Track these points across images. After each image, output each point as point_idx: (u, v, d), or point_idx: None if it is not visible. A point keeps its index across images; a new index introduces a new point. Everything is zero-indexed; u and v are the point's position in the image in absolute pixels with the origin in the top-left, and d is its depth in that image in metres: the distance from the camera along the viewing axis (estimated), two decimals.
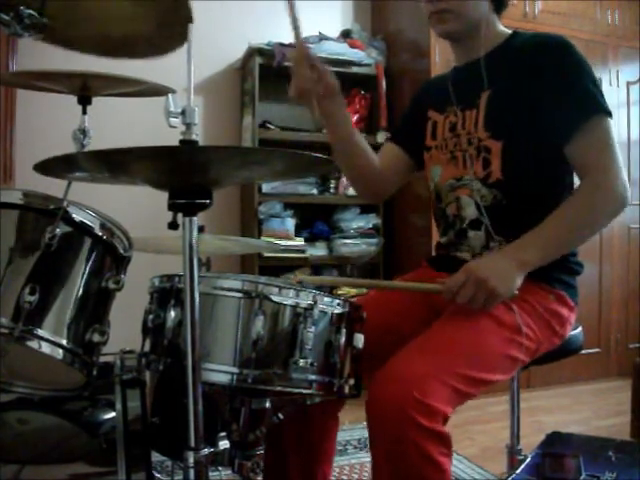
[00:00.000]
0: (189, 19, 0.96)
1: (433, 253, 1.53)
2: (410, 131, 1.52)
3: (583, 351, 1.49)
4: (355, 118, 3.16)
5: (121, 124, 2.75)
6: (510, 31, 1.37)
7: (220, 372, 1.00)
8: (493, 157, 1.29)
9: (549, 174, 1.29)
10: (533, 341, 1.22)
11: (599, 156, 1.22)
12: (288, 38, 3.06)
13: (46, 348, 1.11)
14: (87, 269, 1.18)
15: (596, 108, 1.22)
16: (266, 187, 2.95)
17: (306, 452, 1.36)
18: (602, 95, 1.24)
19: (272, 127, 3.05)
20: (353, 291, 3.02)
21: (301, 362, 1.00)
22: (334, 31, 3.25)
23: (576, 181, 1.31)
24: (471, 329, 1.17)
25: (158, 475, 1.80)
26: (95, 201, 1.25)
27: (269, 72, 2.94)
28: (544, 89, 1.24)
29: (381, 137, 3.04)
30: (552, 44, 1.26)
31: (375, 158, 1.50)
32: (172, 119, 0.88)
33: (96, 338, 1.17)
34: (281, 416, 1.17)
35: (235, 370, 1.00)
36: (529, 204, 1.28)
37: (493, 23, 1.36)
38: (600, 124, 1.22)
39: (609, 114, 1.23)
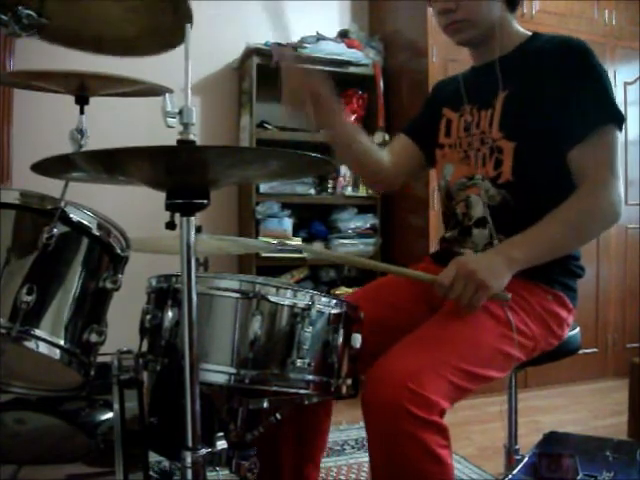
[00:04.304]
0: (189, 18, 0.96)
1: (434, 248, 1.53)
2: (424, 127, 1.52)
3: (580, 351, 1.49)
4: (353, 118, 3.16)
5: (119, 124, 2.75)
6: (529, 32, 1.37)
7: (217, 372, 1.00)
8: (505, 157, 1.29)
9: (559, 178, 1.28)
10: (529, 339, 1.23)
11: (599, 167, 1.22)
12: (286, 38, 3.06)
13: (43, 348, 1.11)
14: (84, 269, 1.18)
15: (607, 117, 1.22)
16: (264, 187, 2.95)
17: (299, 445, 1.37)
18: (614, 103, 1.23)
19: (270, 127, 3.05)
20: (351, 291, 3.02)
21: (298, 362, 1.00)
22: (332, 31, 3.25)
23: None
24: (466, 324, 1.17)
25: (156, 475, 1.80)
26: (92, 201, 1.25)
27: (267, 72, 2.93)
28: (560, 93, 1.23)
29: (379, 137, 3.04)
30: (573, 48, 1.26)
31: (380, 154, 1.51)
32: (169, 119, 0.87)
33: (94, 338, 1.17)
34: (278, 416, 1.17)
35: (232, 370, 1.00)
36: (537, 207, 1.27)
37: (509, 22, 1.36)
38: (607, 134, 1.22)
39: (620, 124, 1.23)
